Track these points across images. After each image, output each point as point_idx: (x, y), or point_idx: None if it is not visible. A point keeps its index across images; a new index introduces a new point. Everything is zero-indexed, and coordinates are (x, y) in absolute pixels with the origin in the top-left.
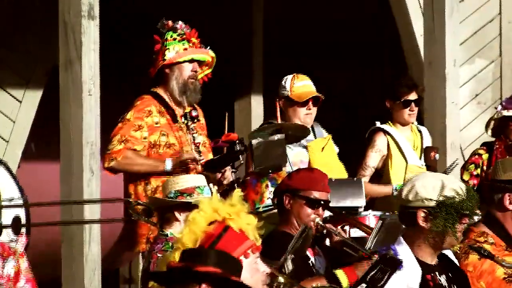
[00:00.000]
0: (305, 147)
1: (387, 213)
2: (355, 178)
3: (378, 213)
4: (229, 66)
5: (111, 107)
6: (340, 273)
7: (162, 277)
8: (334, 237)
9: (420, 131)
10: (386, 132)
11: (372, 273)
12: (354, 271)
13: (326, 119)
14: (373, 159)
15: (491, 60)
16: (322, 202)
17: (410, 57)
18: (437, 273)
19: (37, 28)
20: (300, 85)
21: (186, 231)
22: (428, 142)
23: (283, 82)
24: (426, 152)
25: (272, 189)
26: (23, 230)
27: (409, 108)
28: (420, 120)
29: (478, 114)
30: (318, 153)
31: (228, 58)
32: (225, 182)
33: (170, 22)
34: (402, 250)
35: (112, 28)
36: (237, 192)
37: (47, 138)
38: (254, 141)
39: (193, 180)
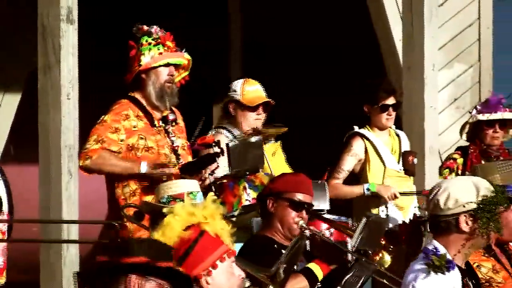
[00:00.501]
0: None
1: (341, 217)
2: (319, 181)
3: (337, 217)
4: (207, 70)
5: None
6: (313, 266)
7: (89, 275)
8: (317, 239)
9: (398, 135)
10: (364, 137)
11: (348, 276)
12: (325, 263)
13: None
14: (348, 163)
15: (470, 64)
16: (305, 205)
17: (388, 61)
18: (467, 278)
19: (15, 32)
20: (251, 89)
21: (159, 235)
22: (406, 146)
23: (233, 86)
24: (404, 156)
25: (250, 191)
26: (5, 209)
27: (387, 112)
28: (398, 125)
29: (457, 118)
30: (270, 157)
31: (206, 62)
32: (205, 183)
33: (144, 27)
34: (442, 250)
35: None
36: (211, 196)
37: (26, 141)
38: (231, 143)
39: (186, 185)
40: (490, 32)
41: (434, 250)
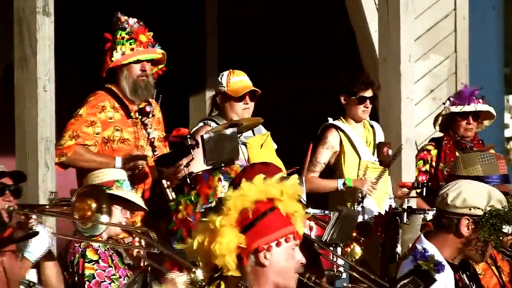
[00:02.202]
0: (244, 144)
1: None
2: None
3: (316, 210)
4: (184, 64)
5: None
6: None
7: None
8: None
9: (372, 127)
10: (338, 128)
11: (404, 282)
12: None
13: None
14: (324, 156)
15: (446, 56)
16: None
17: (364, 53)
18: (460, 272)
19: None
20: (236, 80)
21: (233, 196)
22: (380, 137)
23: (219, 78)
24: (379, 147)
25: (226, 183)
26: None
27: (364, 104)
28: (374, 116)
29: (434, 110)
30: (257, 150)
31: (182, 56)
32: (178, 176)
33: (122, 18)
34: (432, 250)
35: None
36: (295, 178)
37: (3, 133)
38: (205, 135)
39: (113, 174)
40: (466, 22)
41: (422, 252)
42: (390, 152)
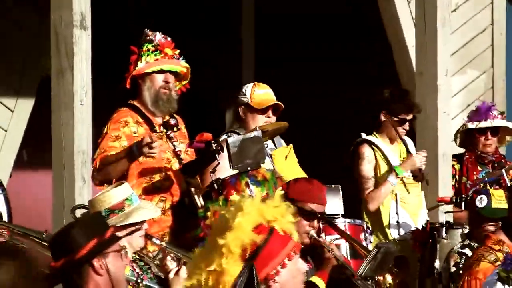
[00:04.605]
0: (270, 155)
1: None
2: (333, 185)
3: (351, 220)
4: (220, 78)
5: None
6: (316, 279)
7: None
8: (326, 252)
9: (405, 142)
10: (372, 144)
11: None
12: (325, 272)
13: None
14: (369, 171)
15: (483, 70)
16: (317, 215)
17: (401, 67)
18: None
19: (28, 37)
20: (260, 93)
21: (231, 237)
22: (413, 152)
23: (243, 90)
24: None
25: (253, 187)
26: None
27: (403, 126)
28: (410, 130)
29: None
30: (282, 161)
31: (218, 71)
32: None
33: (150, 33)
34: None
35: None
36: (279, 191)
37: (39, 147)
38: (229, 139)
39: (119, 193)
40: (503, 37)
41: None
42: (423, 167)
